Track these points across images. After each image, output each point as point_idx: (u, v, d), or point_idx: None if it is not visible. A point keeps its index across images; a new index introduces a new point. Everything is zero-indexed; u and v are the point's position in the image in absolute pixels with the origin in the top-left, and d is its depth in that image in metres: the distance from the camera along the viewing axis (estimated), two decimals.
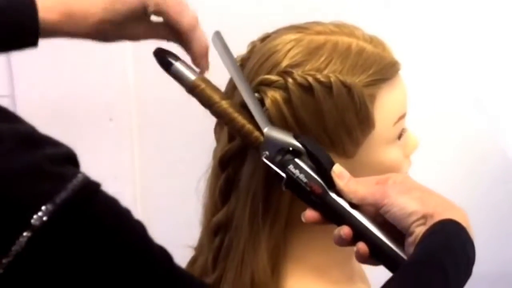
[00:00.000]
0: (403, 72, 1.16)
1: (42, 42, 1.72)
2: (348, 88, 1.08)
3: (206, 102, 1.09)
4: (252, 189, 1.12)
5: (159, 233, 1.83)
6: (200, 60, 1.17)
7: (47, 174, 0.75)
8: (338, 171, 1.03)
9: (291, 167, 1.03)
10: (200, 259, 1.23)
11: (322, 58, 1.09)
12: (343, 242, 1.01)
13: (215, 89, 1.10)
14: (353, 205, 1.02)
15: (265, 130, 1.06)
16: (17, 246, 0.71)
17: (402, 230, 0.98)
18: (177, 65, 1.10)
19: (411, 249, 0.97)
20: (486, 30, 1.84)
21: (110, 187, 1.78)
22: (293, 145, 1.04)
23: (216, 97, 1.08)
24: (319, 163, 1.04)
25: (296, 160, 1.04)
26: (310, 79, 1.07)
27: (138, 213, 1.82)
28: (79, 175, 0.77)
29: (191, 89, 1.09)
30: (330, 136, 1.10)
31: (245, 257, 1.13)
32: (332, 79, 1.07)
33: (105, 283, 0.78)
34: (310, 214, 1.04)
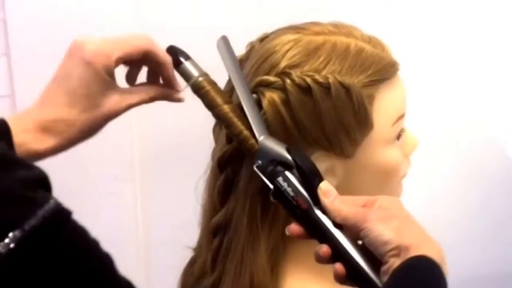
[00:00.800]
0: (402, 72, 1.16)
1: (42, 42, 1.72)
2: (346, 88, 1.08)
3: (209, 104, 1.10)
4: (251, 190, 1.12)
5: (159, 234, 1.83)
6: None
7: (18, 199, 0.73)
8: (325, 188, 1.02)
9: (280, 179, 1.03)
10: (199, 260, 1.22)
11: (321, 59, 1.09)
12: (321, 260, 1.00)
13: (220, 91, 1.11)
14: (336, 225, 1.01)
15: (260, 139, 1.06)
16: None
17: (378, 257, 0.97)
18: (186, 64, 1.13)
19: (385, 278, 0.96)
20: (486, 30, 1.84)
21: (110, 187, 1.78)
22: (284, 158, 1.04)
23: (219, 100, 1.10)
24: (307, 178, 1.03)
25: (286, 172, 1.03)
26: (308, 80, 1.07)
27: (137, 213, 1.82)
28: (51, 201, 0.75)
29: (196, 89, 1.12)
30: (328, 136, 1.10)
31: (244, 258, 1.13)
32: (331, 80, 1.07)
33: None
34: (294, 228, 1.03)
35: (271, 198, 1.04)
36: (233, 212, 1.14)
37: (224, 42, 1.14)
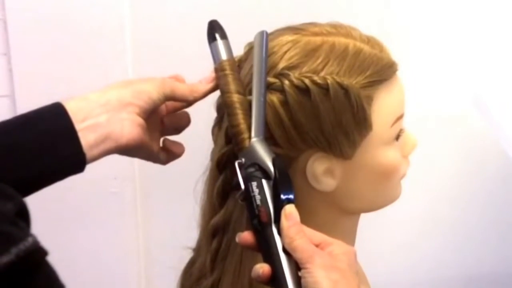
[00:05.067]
0: (401, 72, 1.15)
1: (43, 42, 1.72)
2: (345, 90, 1.08)
3: (222, 87, 1.11)
4: None
5: (158, 234, 1.83)
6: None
7: None
8: (289, 211, 1.01)
9: (254, 184, 1.02)
10: (198, 260, 1.22)
11: (319, 60, 1.09)
12: (259, 278, 0.99)
13: (237, 80, 1.11)
14: (285, 250, 0.99)
15: (253, 139, 1.05)
16: None
17: None
18: (218, 42, 1.14)
19: None
20: (486, 27, 1.83)
21: (110, 186, 1.78)
22: (266, 166, 1.03)
23: (232, 88, 1.10)
24: (279, 194, 1.01)
25: (263, 180, 1.02)
26: (307, 81, 1.07)
27: (137, 213, 1.83)
28: (29, 239, 0.73)
29: (216, 69, 1.13)
30: (327, 138, 1.09)
31: (243, 260, 1.13)
32: (329, 81, 1.07)
33: None
34: (246, 236, 1.02)
35: (238, 198, 1.04)
36: (232, 213, 1.14)
37: (261, 37, 1.11)
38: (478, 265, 1.97)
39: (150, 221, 1.84)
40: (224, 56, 1.13)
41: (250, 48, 1.16)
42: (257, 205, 1.01)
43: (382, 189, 1.18)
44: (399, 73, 1.15)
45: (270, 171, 1.02)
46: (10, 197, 0.76)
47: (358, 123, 1.10)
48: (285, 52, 1.10)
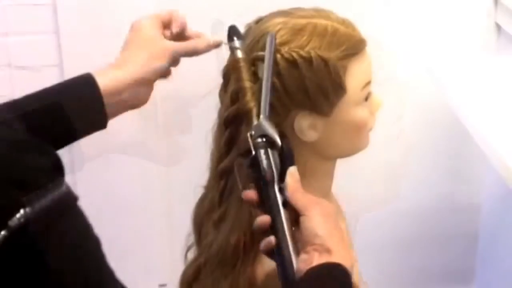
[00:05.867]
0: (368, 47, 1.16)
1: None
2: (325, 61, 1.09)
3: (238, 75, 1.10)
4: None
5: (179, 177, 1.82)
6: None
7: (32, 182, 0.70)
8: (293, 171, 1.02)
9: (261, 150, 1.02)
10: (208, 196, 1.23)
11: (304, 38, 1.09)
12: (258, 228, 0.99)
13: (249, 72, 1.10)
14: (284, 205, 0.99)
15: (261, 117, 1.05)
16: None
17: (304, 243, 0.95)
18: (236, 42, 1.13)
19: (300, 264, 0.94)
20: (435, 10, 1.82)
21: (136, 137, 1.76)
22: (274, 138, 1.03)
23: (245, 76, 1.10)
24: (284, 160, 1.02)
25: (269, 149, 1.02)
26: (294, 54, 1.08)
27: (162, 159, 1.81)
28: (63, 187, 0.72)
29: (234, 62, 1.12)
30: (311, 99, 1.10)
31: None
32: (312, 54, 1.08)
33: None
34: (250, 194, 1.02)
35: (245, 164, 1.04)
36: (235, 159, 1.14)
37: (270, 38, 1.09)
38: (428, 200, 1.98)
39: (172, 168, 1.84)
40: (240, 54, 1.12)
41: (249, 28, 1.17)
42: (263, 168, 1.01)
43: (354, 140, 1.18)
44: (367, 48, 1.16)
45: (277, 142, 1.03)
46: (46, 152, 0.75)
47: (335, 88, 1.11)
48: (277, 32, 1.10)
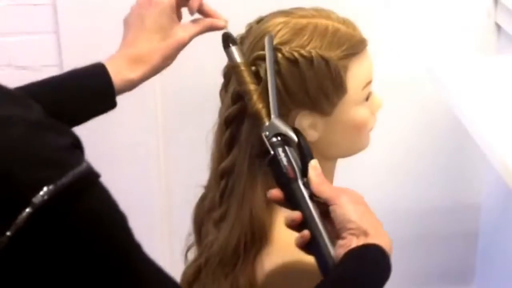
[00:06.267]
0: (369, 47, 1.15)
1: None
2: (326, 61, 1.09)
3: (240, 79, 1.09)
4: (250, 142, 1.12)
5: (177, 175, 1.82)
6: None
7: (53, 159, 0.71)
8: (315, 164, 1.01)
9: (279, 149, 1.02)
10: (208, 196, 1.23)
11: (305, 37, 1.09)
12: (292, 224, 0.98)
13: (250, 73, 1.10)
14: (311, 198, 0.99)
15: (273, 117, 1.05)
16: (19, 221, 0.67)
17: (338, 230, 0.95)
18: (232, 48, 1.11)
19: (339, 250, 0.94)
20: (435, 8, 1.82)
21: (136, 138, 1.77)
22: (289, 135, 1.03)
23: (248, 80, 1.08)
24: (303, 154, 1.02)
25: (286, 146, 1.02)
26: (295, 54, 1.08)
27: (160, 160, 1.81)
28: (84, 164, 0.73)
29: (234, 67, 1.10)
30: (311, 99, 1.10)
31: (245, 196, 1.13)
32: (313, 54, 1.08)
33: (85, 264, 0.73)
34: (275, 192, 1.01)
35: (266, 164, 1.03)
36: (236, 159, 1.14)
37: (269, 40, 1.09)
38: (428, 200, 1.98)
39: (170, 166, 1.84)
40: (238, 58, 1.10)
41: (250, 28, 1.16)
42: (284, 165, 1.01)
43: (355, 140, 1.18)
44: (368, 48, 1.15)
45: (293, 138, 1.03)
46: (65, 131, 0.75)
47: (336, 87, 1.11)
48: (278, 31, 1.10)
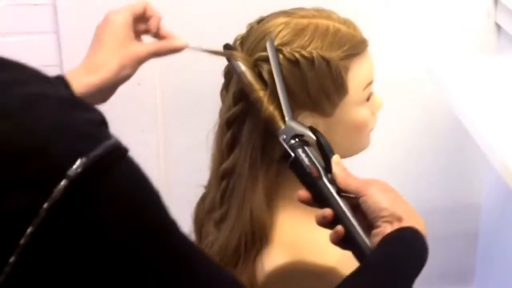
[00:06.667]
0: (369, 47, 1.15)
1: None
2: (327, 61, 1.09)
3: (249, 87, 1.09)
4: (251, 143, 1.12)
5: (177, 175, 1.82)
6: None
7: (84, 133, 0.72)
8: (338, 159, 1.01)
9: (299, 150, 1.02)
10: (209, 196, 1.23)
11: (306, 38, 1.09)
12: (324, 222, 0.98)
13: (257, 79, 1.09)
14: (339, 193, 0.99)
15: (287, 119, 1.05)
16: (56, 194, 0.67)
17: (371, 220, 0.96)
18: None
19: (375, 239, 0.94)
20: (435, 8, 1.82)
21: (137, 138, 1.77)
22: (307, 135, 1.03)
23: (257, 87, 1.08)
24: (324, 152, 1.02)
25: (305, 147, 1.02)
26: (296, 55, 1.08)
27: (160, 160, 1.81)
28: (112, 138, 0.74)
29: (240, 77, 1.10)
30: (312, 99, 1.10)
31: (246, 196, 1.13)
32: (314, 54, 1.08)
33: (117, 238, 0.73)
34: (303, 193, 1.01)
35: (288, 166, 1.03)
36: (237, 160, 1.14)
37: (271, 42, 1.09)
38: (428, 200, 1.98)
39: (170, 166, 1.84)
40: (243, 67, 1.10)
41: (251, 28, 1.16)
42: (307, 165, 1.01)
43: (355, 140, 1.18)
44: (369, 48, 1.15)
45: (311, 138, 1.03)
46: (93, 109, 0.76)
47: (337, 88, 1.11)
48: (279, 32, 1.10)
